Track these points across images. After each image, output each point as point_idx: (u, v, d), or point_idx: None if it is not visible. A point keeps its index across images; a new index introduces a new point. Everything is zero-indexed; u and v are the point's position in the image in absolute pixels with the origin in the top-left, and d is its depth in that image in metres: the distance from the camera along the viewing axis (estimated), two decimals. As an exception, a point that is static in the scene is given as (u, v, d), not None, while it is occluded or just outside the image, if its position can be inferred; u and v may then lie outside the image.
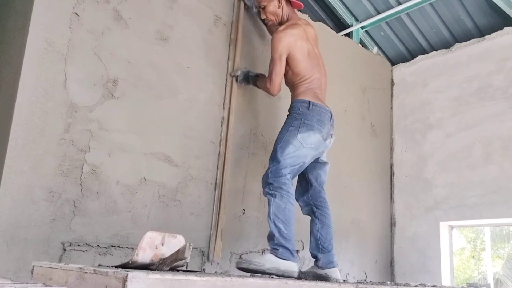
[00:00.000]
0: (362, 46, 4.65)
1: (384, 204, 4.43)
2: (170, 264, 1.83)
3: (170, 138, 2.87)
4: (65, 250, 2.37)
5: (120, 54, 2.70)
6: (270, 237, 2.54)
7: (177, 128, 2.92)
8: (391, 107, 4.69)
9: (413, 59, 4.65)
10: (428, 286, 2.68)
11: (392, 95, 4.72)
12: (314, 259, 2.78)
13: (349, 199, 4.05)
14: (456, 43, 4.33)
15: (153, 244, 1.86)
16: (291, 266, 2.48)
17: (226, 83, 3.19)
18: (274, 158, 2.70)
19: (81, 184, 2.46)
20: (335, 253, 2.80)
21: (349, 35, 4.65)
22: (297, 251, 3.54)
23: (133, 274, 1.37)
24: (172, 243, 1.90)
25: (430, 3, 4.23)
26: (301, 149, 2.70)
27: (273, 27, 3.20)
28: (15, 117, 2.31)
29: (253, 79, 3.15)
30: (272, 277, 2.33)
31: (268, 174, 2.66)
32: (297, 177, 2.92)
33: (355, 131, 4.24)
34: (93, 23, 2.61)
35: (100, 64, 2.61)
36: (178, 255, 1.80)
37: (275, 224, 2.52)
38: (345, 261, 3.91)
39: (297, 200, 2.91)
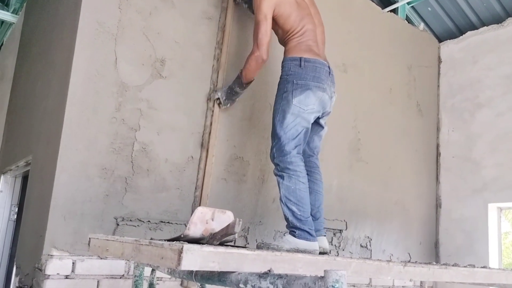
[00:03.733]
0: (408, 22, 4.51)
1: (429, 185, 4.34)
2: (220, 239, 1.86)
3: (216, 117, 2.90)
4: (118, 224, 2.46)
5: (167, 34, 2.73)
6: (286, 220, 2.41)
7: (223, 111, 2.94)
8: (438, 85, 4.55)
9: (461, 35, 4.48)
10: (478, 267, 2.63)
11: (439, 73, 4.57)
12: None
13: (393, 180, 3.99)
14: (509, 18, 4.13)
15: (204, 219, 1.90)
16: (311, 245, 2.35)
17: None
18: (274, 135, 2.47)
19: (132, 162, 2.53)
20: (324, 221, 2.62)
21: (394, 11, 4.51)
22: (340, 231, 3.54)
23: (188, 247, 1.40)
24: (222, 219, 1.93)
25: (482, -24, 4.05)
26: (302, 114, 2.43)
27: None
28: (69, 96, 2.39)
29: (234, 84, 2.76)
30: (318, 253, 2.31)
31: (273, 153, 2.47)
32: None
33: (401, 110, 4.15)
34: (141, 3, 2.65)
35: (148, 44, 2.65)
36: (228, 230, 1.83)
37: (287, 207, 2.37)
38: (389, 242, 3.88)
39: None
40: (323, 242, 2.53)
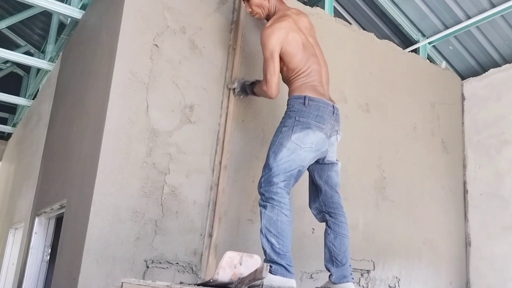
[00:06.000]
0: (430, 61, 4.56)
1: (458, 223, 4.28)
2: (248, 284, 1.90)
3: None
4: (148, 267, 2.52)
5: (195, 81, 2.86)
6: (264, 252, 2.33)
7: (250, 150, 3.02)
8: (463, 123, 4.55)
9: (484, 72, 4.50)
10: (510, 310, 2.57)
11: (463, 110, 4.58)
12: (329, 273, 2.56)
13: (420, 218, 3.96)
14: (532, 55, 4.15)
15: (232, 264, 1.93)
16: (286, 282, 2.27)
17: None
18: (266, 165, 2.47)
19: (161, 205, 2.62)
20: (350, 266, 2.55)
21: (416, 51, 4.59)
22: (367, 271, 3.51)
23: (218, 293, 1.45)
24: (249, 263, 1.96)
25: (502, 15, 4.09)
26: (298, 151, 2.43)
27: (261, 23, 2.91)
28: (103, 143, 2.52)
29: (250, 88, 2.87)
30: None
31: (260, 183, 2.45)
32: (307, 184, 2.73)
33: (425, 147, 4.16)
34: (171, 53, 2.80)
35: (178, 91, 2.78)
36: (256, 274, 1.87)
37: (267, 238, 2.31)
38: (418, 282, 3.81)
39: (310, 208, 2.72)
40: None
